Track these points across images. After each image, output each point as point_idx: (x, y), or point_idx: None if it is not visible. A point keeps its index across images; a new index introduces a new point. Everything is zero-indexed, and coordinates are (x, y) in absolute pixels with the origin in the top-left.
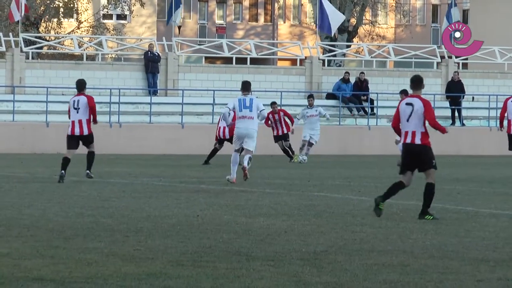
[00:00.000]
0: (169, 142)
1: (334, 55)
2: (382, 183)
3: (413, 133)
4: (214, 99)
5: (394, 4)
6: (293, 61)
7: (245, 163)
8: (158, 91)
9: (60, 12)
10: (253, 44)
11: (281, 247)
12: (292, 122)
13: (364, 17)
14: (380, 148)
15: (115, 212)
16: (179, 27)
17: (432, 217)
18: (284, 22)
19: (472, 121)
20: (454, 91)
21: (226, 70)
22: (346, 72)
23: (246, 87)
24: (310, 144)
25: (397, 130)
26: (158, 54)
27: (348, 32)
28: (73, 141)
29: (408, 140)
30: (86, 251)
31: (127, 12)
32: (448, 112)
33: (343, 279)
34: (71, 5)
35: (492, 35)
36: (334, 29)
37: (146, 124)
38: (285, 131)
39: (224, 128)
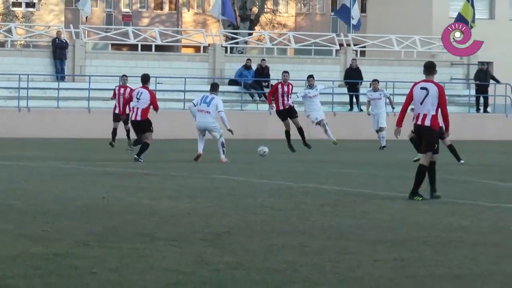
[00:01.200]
0: (76, 127)
1: (237, 43)
2: (282, 166)
3: (424, 116)
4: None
5: None
6: (197, 48)
7: (221, 156)
8: (66, 77)
9: None
10: (158, 32)
11: (184, 228)
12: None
13: (265, 6)
14: (281, 133)
15: (23, 194)
16: (86, 17)
17: (421, 198)
18: (188, 11)
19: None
20: (352, 77)
21: (131, 57)
22: (248, 59)
23: (212, 87)
24: (323, 125)
25: (403, 113)
26: (66, 41)
27: (250, 20)
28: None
29: (419, 122)
30: None
31: (35, 0)
32: (346, 98)
33: (244, 259)
34: None
35: (389, 24)
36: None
37: (54, 109)
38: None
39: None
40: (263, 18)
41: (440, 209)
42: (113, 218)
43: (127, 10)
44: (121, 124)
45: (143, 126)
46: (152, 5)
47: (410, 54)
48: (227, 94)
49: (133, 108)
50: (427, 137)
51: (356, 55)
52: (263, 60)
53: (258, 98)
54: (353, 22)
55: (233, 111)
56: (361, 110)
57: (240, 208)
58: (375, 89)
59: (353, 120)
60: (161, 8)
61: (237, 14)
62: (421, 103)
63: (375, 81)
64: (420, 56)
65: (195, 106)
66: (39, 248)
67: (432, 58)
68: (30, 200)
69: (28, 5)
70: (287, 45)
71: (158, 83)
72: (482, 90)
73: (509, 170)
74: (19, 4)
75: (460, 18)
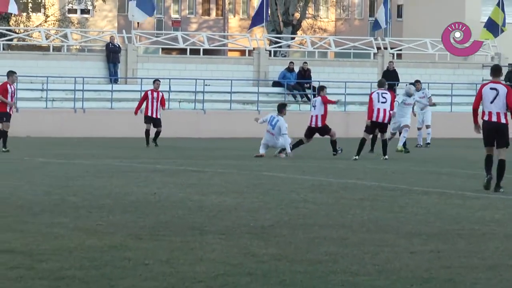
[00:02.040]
0: (129, 126)
1: (280, 47)
2: (323, 163)
3: (498, 114)
4: (170, 87)
5: (334, 0)
6: (242, 52)
7: (287, 150)
8: (119, 79)
9: (29, 7)
10: (205, 37)
11: (231, 222)
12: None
13: (307, 12)
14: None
15: (79, 190)
16: (138, 22)
17: (503, 190)
18: (234, 16)
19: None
20: (389, 79)
21: (181, 60)
22: (291, 62)
23: (279, 109)
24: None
25: (476, 112)
26: (119, 45)
27: (292, 25)
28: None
29: (494, 119)
30: (53, 225)
31: (90, 7)
32: None
33: (288, 251)
34: (39, 1)
35: (424, 28)
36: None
37: (107, 110)
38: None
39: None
40: (304, 23)
41: (473, 203)
42: (164, 212)
43: (177, 16)
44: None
45: (325, 129)
46: (200, 11)
47: (444, 56)
48: (271, 95)
49: (311, 116)
50: (503, 133)
51: (393, 58)
52: (305, 63)
53: (300, 99)
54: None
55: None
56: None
57: (283, 203)
58: (418, 89)
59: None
60: (209, 14)
61: (280, 20)
62: (491, 102)
63: (417, 81)
64: (453, 59)
65: (263, 122)
66: (94, 240)
67: (465, 60)
68: (85, 195)
69: (83, 11)
70: (328, 48)
71: (206, 85)
72: None
73: None
74: (74, 11)
75: (491, 22)
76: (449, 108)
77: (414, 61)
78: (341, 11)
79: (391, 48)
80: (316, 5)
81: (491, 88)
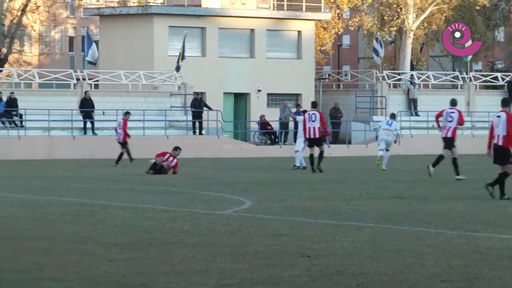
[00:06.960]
0: None
1: None
2: (21, 180)
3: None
4: None
5: (37, 37)
6: None
7: None
8: None
9: None
10: None
11: None
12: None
13: (13, 47)
14: (29, 154)
15: None
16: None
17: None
18: None
19: (104, 131)
20: (87, 106)
21: None
22: (0, 92)
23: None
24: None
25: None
26: None
27: (0, 59)
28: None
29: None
30: None
31: None
32: (81, 124)
33: None
34: None
35: (119, 61)
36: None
37: None
38: None
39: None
40: (11, 57)
41: (163, 216)
42: None
43: None
44: None
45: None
46: None
47: (136, 86)
48: None
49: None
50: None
51: (91, 88)
52: (12, 93)
53: (9, 125)
54: (91, 59)
55: None
56: (95, 134)
57: None
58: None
59: (87, 142)
60: None
61: None
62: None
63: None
64: (144, 88)
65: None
66: None
67: (155, 89)
68: None
69: None
70: (32, 80)
71: None
72: (197, 115)
73: (222, 183)
74: None
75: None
76: (141, 132)
77: (109, 90)
78: (44, 46)
79: (89, 79)
80: (21, 41)
81: (497, 116)
